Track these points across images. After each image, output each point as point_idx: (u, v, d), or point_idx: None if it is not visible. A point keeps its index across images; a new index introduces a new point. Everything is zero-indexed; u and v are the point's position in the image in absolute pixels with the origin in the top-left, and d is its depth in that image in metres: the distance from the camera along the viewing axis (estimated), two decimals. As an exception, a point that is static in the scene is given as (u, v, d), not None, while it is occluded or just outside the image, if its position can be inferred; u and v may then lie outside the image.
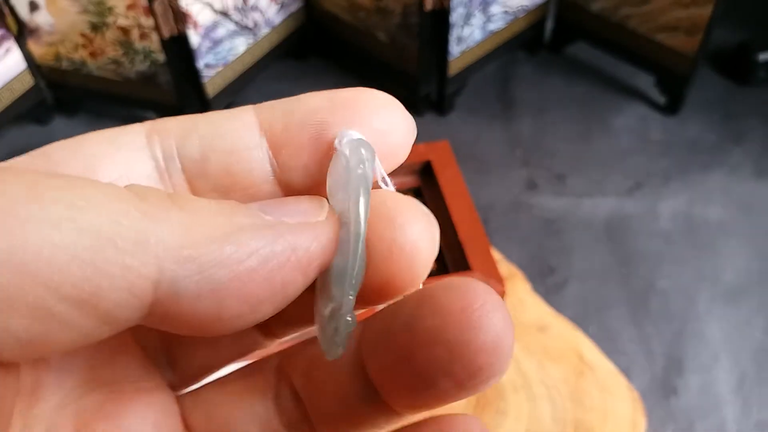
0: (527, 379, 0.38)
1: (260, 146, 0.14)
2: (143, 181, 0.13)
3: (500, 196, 0.52)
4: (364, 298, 0.13)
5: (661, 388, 0.42)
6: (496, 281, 0.39)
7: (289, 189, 0.14)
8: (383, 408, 0.14)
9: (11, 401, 0.12)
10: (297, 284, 0.12)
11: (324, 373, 0.14)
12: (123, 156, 0.13)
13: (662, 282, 0.47)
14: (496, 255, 0.44)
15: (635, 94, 0.60)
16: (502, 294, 0.40)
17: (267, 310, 0.12)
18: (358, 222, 0.13)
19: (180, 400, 0.15)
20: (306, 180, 0.14)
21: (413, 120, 0.14)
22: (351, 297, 0.13)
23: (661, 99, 0.58)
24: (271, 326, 0.15)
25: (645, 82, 0.59)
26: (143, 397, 0.14)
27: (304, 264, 0.12)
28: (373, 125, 0.14)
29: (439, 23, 0.52)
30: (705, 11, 0.51)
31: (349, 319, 0.13)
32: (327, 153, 0.14)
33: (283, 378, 0.15)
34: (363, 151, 0.13)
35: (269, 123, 0.14)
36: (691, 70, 0.54)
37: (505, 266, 0.44)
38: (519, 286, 0.43)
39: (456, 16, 0.51)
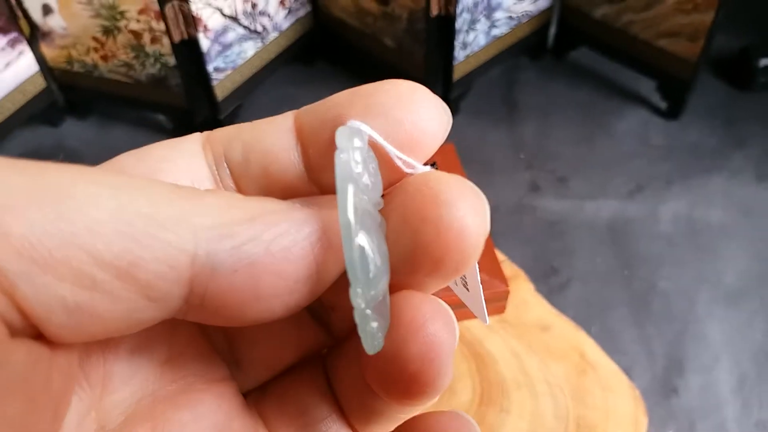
0: (530, 377, 0.39)
1: (294, 148, 0.14)
2: (201, 183, 0.14)
3: (504, 198, 0.53)
4: (420, 283, 0.13)
5: (662, 388, 0.43)
6: (501, 281, 0.40)
7: (322, 188, 0.14)
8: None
9: (65, 385, 0.12)
10: (331, 265, 0.13)
11: (291, 405, 0.15)
12: (183, 162, 0.14)
13: (663, 283, 0.48)
14: (500, 256, 0.45)
15: (637, 99, 0.61)
16: (506, 293, 0.40)
17: (304, 292, 0.13)
18: (344, 211, 0.12)
19: (249, 393, 0.16)
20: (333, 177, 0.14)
21: (443, 105, 0.14)
22: (359, 290, 0.12)
23: (662, 104, 0.59)
24: (329, 322, 0.16)
25: (647, 87, 0.60)
26: (214, 388, 0.15)
27: (335, 244, 0.13)
28: (391, 114, 0.13)
29: (444, 28, 0.53)
30: (707, 17, 0.51)
31: (368, 312, 0.13)
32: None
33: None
34: (355, 138, 0.13)
35: (301, 124, 0.15)
36: (692, 75, 0.55)
37: (508, 267, 0.44)
38: (522, 286, 0.43)
39: (461, 21, 0.52)
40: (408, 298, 0.13)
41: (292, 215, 0.12)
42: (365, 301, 0.13)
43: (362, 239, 0.12)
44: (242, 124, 0.15)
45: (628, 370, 0.42)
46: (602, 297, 0.47)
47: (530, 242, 0.50)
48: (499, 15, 0.55)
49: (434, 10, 0.51)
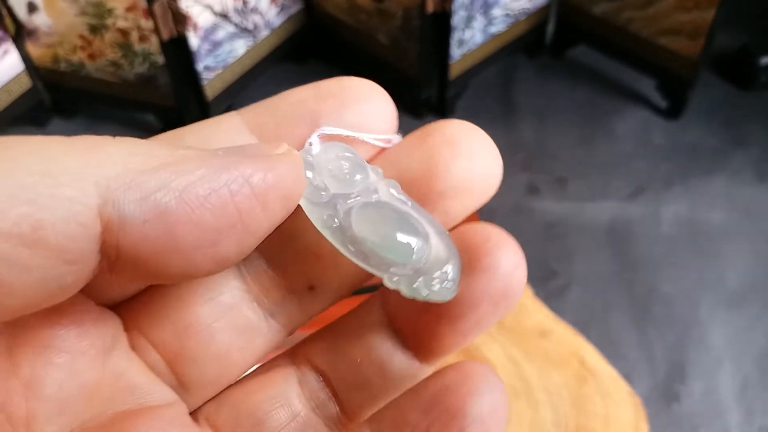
0: (528, 385, 0.38)
1: (248, 143, 0.14)
2: None
3: (502, 201, 0.52)
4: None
5: (663, 395, 0.42)
6: (498, 286, 0.39)
7: None
8: (410, 360, 0.15)
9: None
10: (257, 216, 0.12)
11: (350, 343, 0.15)
12: None
13: (664, 287, 0.47)
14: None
15: (637, 99, 0.60)
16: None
17: (229, 243, 0.12)
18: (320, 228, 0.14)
19: (202, 407, 0.15)
20: None
21: (392, 102, 0.15)
22: (388, 274, 0.14)
23: (662, 103, 0.58)
24: (308, 303, 0.15)
25: (647, 86, 0.59)
26: (154, 414, 0.14)
27: (260, 193, 0.12)
28: (361, 110, 0.14)
29: (440, 26, 0.51)
30: (708, 15, 0.50)
31: (415, 287, 0.14)
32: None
33: (302, 364, 0.15)
34: (328, 153, 0.14)
35: (258, 122, 0.14)
36: (693, 74, 0.54)
37: (506, 271, 0.43)
38: (520, 290, 0.42)
39: (457, 18, 0.51)
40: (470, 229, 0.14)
41: (209, 161, 0.12)
42: (405, 282, 0.14)
43: (355, 227, 0.14)
44: (179, 129, 0.14)
45: (628, 376, 0.42)
46: (602, 301, 0.46)
47: (529, 245, 0.48)
48: (496, 12, 0.54)
49: (430, 7, 0.50)
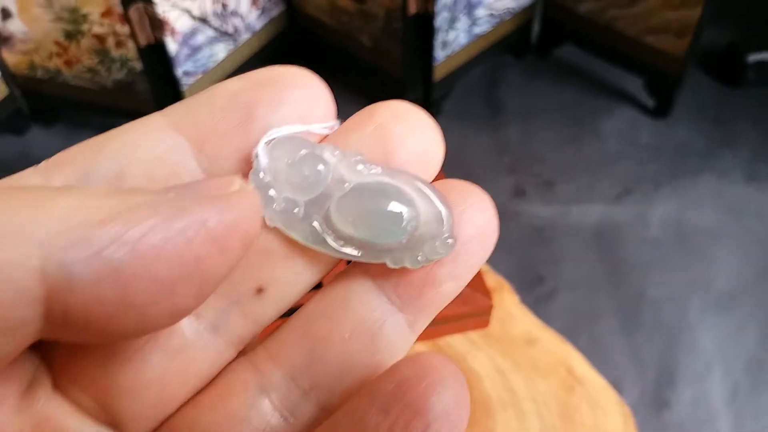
0: (515, 395, 0.37)
1: (180, 145, 0.13)
2: None
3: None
4: None
5: (653, 402, 0.41)
6: (484, 295, 0.38)
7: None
8: (404, 325, 0.14)
9: None
10: (215, 260, 0.11)
11: (332, 321, 0.14)
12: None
13: (653, 290, 0.46)
14: (483, 266, 0.43)
15: (624, 98, 0.59)
16: (489, 307, 0.39)
17: (187, 294, 0.11)
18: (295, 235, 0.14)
19: None
20: (241, 165, 0.14)
21: (327, 88, 0.15)
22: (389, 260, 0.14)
23: (650, 102, 0.57)
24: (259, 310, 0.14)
25: (634, 85, 0.59)
26: None
27: (217, 237, 0.11)
28: (298, 98, 0.14)
29: (423, 27, 0.51)
30: (694, 12, 0.50)
31: (418, 259, 0.14)
32: (258, 134, 0.14)
33: (264, 365, 0.14)
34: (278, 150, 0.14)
35: (185, 120, 0.13)
36: (680, 72, 0.53)
37: (492, 277, 0.43)
38: (507, 298, 0.42)
39: (440, 20, 0.50)
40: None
41: (161, 208, 0.11)
42: (409, 257, 0.14)
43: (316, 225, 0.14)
44: (98, 136, 0.13)
45: (617, 384, 0.41)
46: (590, 306, 0.45)
47: (515, 249, 0.48)
48: (480, 12, 0.53)
49: (412, 9, 0.49)
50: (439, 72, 0.54)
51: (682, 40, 0.52)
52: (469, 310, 0.38)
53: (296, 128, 0.14)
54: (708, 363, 0.43)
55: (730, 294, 0.46)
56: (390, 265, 0.14)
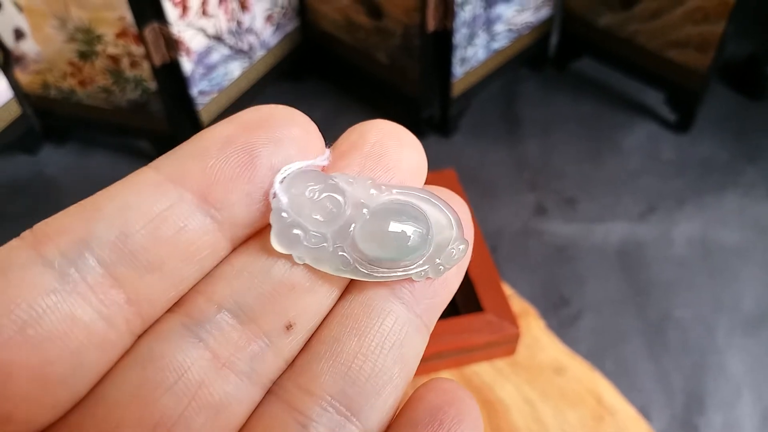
0: (544, 426, 0.37)
1: (181, 198, 0.13)
2: (49, 302, 0.12)
3: (508, 222, 0.50)
4: None
5: (682, 428, 0.40)
6: (510, 323, 0.37)
7: (235, 225, 0.13)
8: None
9: None
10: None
11: (357, 345, 0.14)
12: (14, 279, 0.12)
13: (679, 311, 0.45)
14: (507, 290, 0.42)
15: (644, 112, 0.58)
16: (517, 335, 0.38)
17: None
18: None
19: None
20: (251, 209, 0.13)
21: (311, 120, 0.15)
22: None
23: (670, 116, 0.57)
24: None
25: (653, 98, 0.58)
26: None
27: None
28: (293, 136, 0.14)
29: (441, 44, 0.50)
30: (717, 28, 0.49)
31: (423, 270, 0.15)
32: (263, 176, 0.13)
33: (300, 400, 0.14)
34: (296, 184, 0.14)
35: (180, 172, 0.13)
36: (702, 86, 0.52)
37: (517, 302, 0.42)
38: (533, 323, 0.41)
39: (459, 36, 0.49)
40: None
41: None
42: (432, 268, 0.14)
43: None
44: (88, 200, 0.13)
45: (645, 409, 0.40)
46: (615, 328, 0.45)
47: (538, 270, 0.47)
48: (499, 28, 0.52)
49: (431, 26, 0.49)
50: (457, 88, 0.53)
51: (705, 54, 0.51)
52: (496, 339, 0.37)
53: (302, 164, 0.14)
54: (738, 387, 0.42)
55: (759, 314, 0.45)
56: (416, 278, 0.14)
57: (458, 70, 0.52)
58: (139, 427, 0.12)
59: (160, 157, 0.14)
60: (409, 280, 0.14)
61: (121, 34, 0.46)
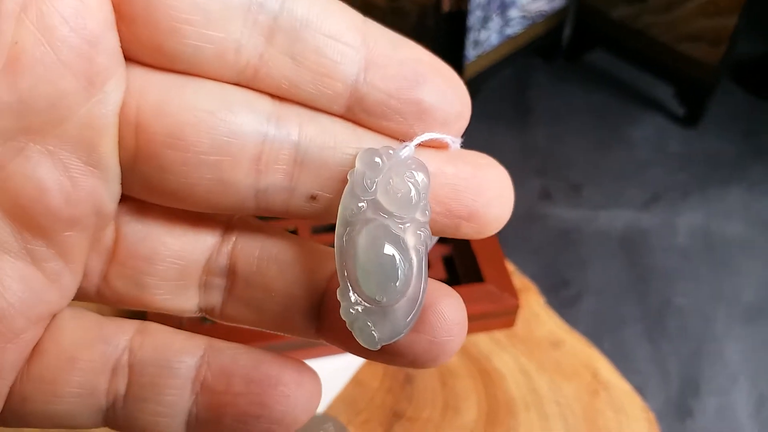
0: (539, 397, 0.37)
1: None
2: None
3: (515, 206, 0.51)
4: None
5: (676, 410, 0.41)
6: (511, 294, 0.38)
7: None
8: None
9: None
10: None
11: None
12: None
13: (679, 299, 0.46)
14: (510, 266, 0.43)
15: (654, 105, 0.58)
16: (516, 307, 0.38)
17: None
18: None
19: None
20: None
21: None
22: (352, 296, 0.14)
23: (679, 110, 0.57)
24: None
25: (663, 92, 0.58)
26: None
27: None
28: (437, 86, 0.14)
29: (455, 25, 0.50)
30: (730, 21, 0.49)
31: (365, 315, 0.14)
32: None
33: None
34: (373, 158, 0.14)
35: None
36: (713, 81, 0.53)
37: (518, 278, 0.42)
38: (533, 299, 0.41)
39: (473, 18, 0.50)
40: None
41: None
42: (350, 303, 0.13)
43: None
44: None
45: (641, 390, 0.40)
46: (615, 312, 0.45)
47: (541, 252, 0.48)
48: (513, 13, 0.53)
49: (446, 6, 0.49)
50: (469, 71, 0.54)
51: (716, 48, 0.51)
52: (496, 309, 0.38)
53: (441, 135, 0.14)
54: (734, 374, 0.42)
55: (757, 306, 0.45)
56: (343, 313, 0.14)
57: (471, 52, 0.52)
58: None
59: None
60: None
61: None
